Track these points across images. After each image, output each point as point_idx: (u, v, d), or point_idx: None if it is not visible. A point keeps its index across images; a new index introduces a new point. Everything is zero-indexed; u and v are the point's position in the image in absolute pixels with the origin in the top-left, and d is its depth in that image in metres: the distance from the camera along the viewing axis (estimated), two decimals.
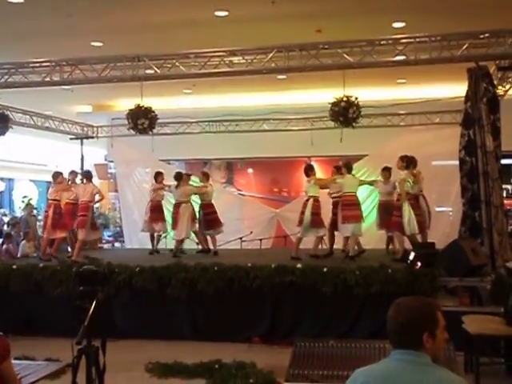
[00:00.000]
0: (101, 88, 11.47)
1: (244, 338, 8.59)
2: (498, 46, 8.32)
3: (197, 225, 11.62)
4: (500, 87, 9.98)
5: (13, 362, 3.84)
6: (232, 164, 18.88)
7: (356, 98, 9.32)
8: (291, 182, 18.33)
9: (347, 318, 8.50)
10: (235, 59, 9.22)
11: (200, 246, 11.90)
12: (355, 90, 9.51)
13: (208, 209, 11.67)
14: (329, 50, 8.83)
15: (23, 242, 12.78)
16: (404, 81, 13.91)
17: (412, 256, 8.71)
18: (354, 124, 9.59)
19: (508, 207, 13.36)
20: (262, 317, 8.76)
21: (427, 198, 10.81)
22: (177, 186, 11.48)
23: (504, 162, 9.53)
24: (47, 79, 9.68)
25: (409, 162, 10.11)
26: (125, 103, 13.31)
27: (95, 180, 12.76)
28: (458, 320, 6.70)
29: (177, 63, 9.26)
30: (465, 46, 8.29)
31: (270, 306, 8.76)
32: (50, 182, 13.43)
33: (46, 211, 11.43)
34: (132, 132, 10.38)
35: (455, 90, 11.50)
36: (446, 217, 13.85)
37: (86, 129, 15.19)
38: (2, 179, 21.75)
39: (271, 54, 8.85)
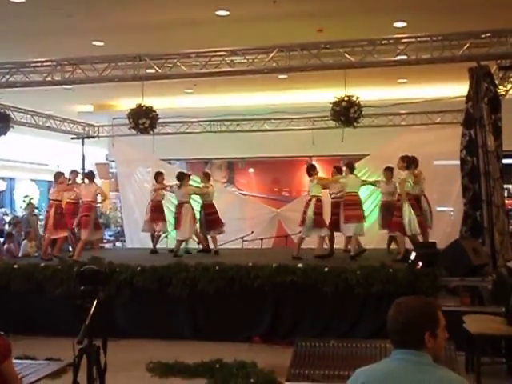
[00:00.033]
0: (102, 87, 11.49)
1: (245, 337, 8.58)
2: (500, 45, 8.31)
3: (197, 225, 11.63)
4: (501, 87, 9.97)
5: (14, 361, 3.85)
6: (233, 164, 18.87)
7: (357, 98, 9.32)
8: (292, 182, 18.32)
9: (348, 318, 8.49)
10: (236, 59, 9.21)
11: (200, 246, 11.90)
12: (356, 90, 9.51)
13: (209, 209, 11.68)
14: (330, 49, 8.83)
15: (24, 241, 12.81)
16: (405, 80, 13.90)
17: (413, 256, 8.71)
18: (355, 124, 9.59)
19: (509, 207, 13.38)
20: (263, 316, 8.76)
21: (428, 198, 10.81)
22: (179, 187, 11.49)
23: (505, 161, 9.51)
24: (48, 79, 9.68)
25: (409, 162, 10.10)
26: (126, 103, 13.31)
27: (96, 179, 12.75)
28: (459, 320, 6.70)
29: (178, 63, 9.25)
30: (466, 46, 8.28)
31: (271, 306, 8.76)
32: (51, 182, 13.45)
33: (48, 211, 11.44)
34: (133, 131, 10.39)
35: (456, 89, 11.50)
36: (447, 216, 13.84)
37: (87, 128, 15.19)
38: (3, 179, 21.77)
39: (272, 54, 8.85)
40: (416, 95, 13.42)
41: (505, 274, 7.97)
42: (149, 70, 9.41)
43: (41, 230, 14.40)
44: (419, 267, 8.35)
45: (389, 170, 10.92)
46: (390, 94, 14.28)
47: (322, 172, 11.84)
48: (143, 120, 9.75)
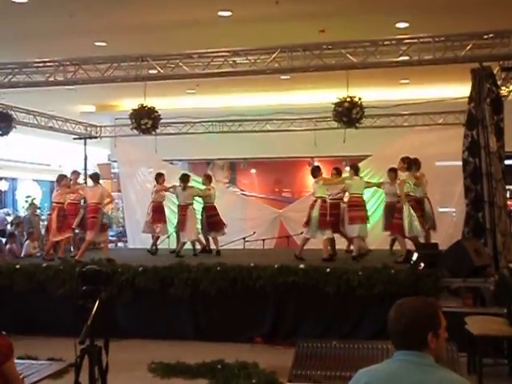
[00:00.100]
0: (104, 88, 11.50)
1: (247, 338, 8.58)
2: (502, 46, 8.30)
3: (199, 226, 11.64)
4: (504, 88, 9.97)
5: (16, 361, 3.85)
6: (235, 164, 18.88)
7: (359, 99, 9.31)
8: (294, 183, 18.33)
9: (350, 319, 8.49)
10: (239, 59, 9.22)
11: (199, 246, 11.91)
12: (359, 91, 9.50)
13: (211, 211, 11.69)
14: (332, 50, 8.82)
15: (27, 241, 12.81)
16: (407, 81, 13.90)
17: (415, 257, 8.71)
18: (357, 124, 9.58)
19: (511, 208, 13.34)
20: (265, 317, 8.76)
21: (431, 199, 10.80)
22: (184, 188, 11.50)
23: (507, 162, 9.50)
24: (51, 79, 9.68)
25: (410, 164, 10.08)
26: (128, 103, 13.31)
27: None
28: (461, 321, 6.69)
29: (180, 63, 9.25)
30: (468, 47, 8.27)
31: (273, 306, 8.76)
32: (53, 182, 13.45)
33: (50, 214, 11.42)
34: (135, 132, 10.40)
35: (459, 90, 11.50)
36: (449, 217, 13.84)
37: (89, 129, 15.21)
38: (5, 179, 21.79)
39: (275, 54, 8.84)
40: (418, 96, 13.41)
41: (507, 275, 7.97)
42: (151, 71, 9.41)
43: (43, 230, 14.42)
44: (421, 268, 8.34)
45: (393, 171, 10.89)
46: (392, 95, 14.28)
47: (324, 173, 11.82)
48: (145, 120, 9.76)
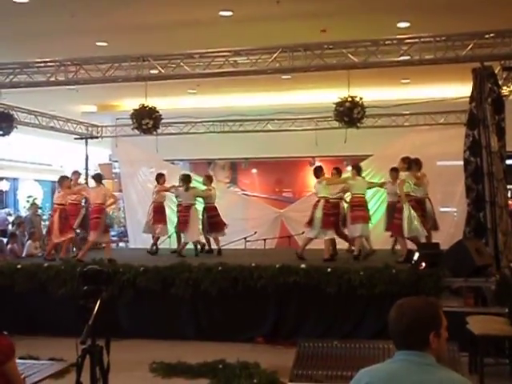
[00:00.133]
0: (105, 88, 11.51)
1: (248, 338, 8.58)
2: (503, 46, 8.30)
3: (200, 226, 11.65)
4: (505, 87, 9.95)
5: (17, 361, 3.85)
6: (236, 164, 18.88)
7: (361, 98, 9.31)
8: (295, 182, 18.34)
9: (351, 319, 8.49)
10: (240, 59, 9.22)
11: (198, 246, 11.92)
12: (360, 90, 9.50)
13: (211, 212, 11.71)
14: (333, 50, 8.83)
15: (29, 241, 12.80)
16: (408, 81, 13.90)
17: (416, 256, 8.70)
18: (358, 124, 9.59)
19: None
20: (266, 317, 8.76)
21: (432, 199, 10.79)
22: (186, 189, 11.52)
23: (509, 162, 9.49)
24: (52, 79, 9.69)
25: (410, 164, 10.07)
26: (129, 103, 13.32)
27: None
28: (462, 321, 6.69)
29: (181, 63, 9.26)
30: (470, 46, 8.27)
31: (274, 306, 8.76)
32: (54, 182, 13.46)
33: (52, 216, 11.40)
34: (136, 132, 10.42)
35: (460, 90, 11.48)
36: (450, 217, 13.82)
37: (90, 129, 15.22)
38: (6, 179, 21.79)
39: (276, 54, 8.85)
40: (419, 96, 13.41)
41: (508, 274, 7.97)
42: (152, 71, 9.42)
43: (44, 230, 14.42)
44: (422, 268, 8.34)
45: (395, 171, 10.86)
46: (393, 95, 14.28)
47: (325, 173, 11.82)
48: (146, 120, 9.77)
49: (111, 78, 9.58)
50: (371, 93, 11.58)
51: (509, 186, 9.37)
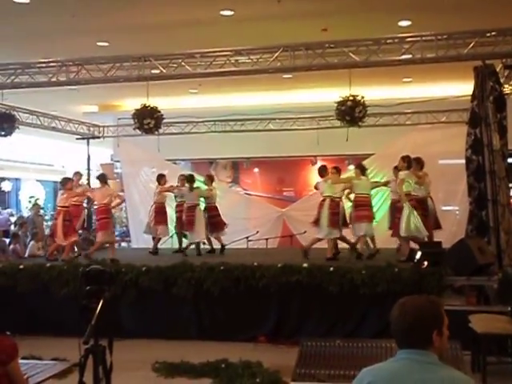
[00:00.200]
0: (107, 88, 11.52)
1: (250, 337, 8.58)
2: (505, 44, 8.30)
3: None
4: (506, 86, 9.95)
5: (20, 361, 3.85)
6: (238, 163, 18.87)
7: (362, 97, 9.31)
8: (297, 182, 18.32)
9: (353, 318, 8.49)
10: (241, 59, 9.22)
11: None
12: (361, 89, 9.51)
13: (212, 211, 11.76)
14: (335, 49, 8.83)
15: (32, 242, 12.81)
16: (410, 80, 13.88)
17: (418, 255, 8.69)
18: (360, 123, 9.58)
19: None
20: (268, 316, 8.76)
21: (434, 197, 10.78)
22: (191, 189, 11.54)
23: (511, 160, 9.48)
24: (53, 79, 9.71)
25: (410, 162, 10.05)
26: (131, 103, 13.34)
27: None
28: (464, 319, 6.69)
29: (182, 63, 9.27)
30: (471, 45, 8.27)
31: (276, 306, 8.76)
32: (56, 182, 13.47)
33: (56, 218, 11.34)
34: (138, 132, 10.43)
35: (462, 88, 11.48)
36: (452, 216, 13.80)
37: (92, 129, 15.23)
38: (8, 179, 21.81)
39: (277, 54, 8.85)
40: (421, 94, 13.41)
41: (510, 273, 7.95)
42: (154, 71, 9.43)
43: (46, 231, 14.43)
44: (425, 267, 8.33)
45: (397, 169, 10.86)
46: (394, 94, 14.26)
47: None
48: (148, 120, 9.78)
49: (113, 78, 9.59)
50: (373, 92, 11.58)
51: (511, 185, 9.35)
